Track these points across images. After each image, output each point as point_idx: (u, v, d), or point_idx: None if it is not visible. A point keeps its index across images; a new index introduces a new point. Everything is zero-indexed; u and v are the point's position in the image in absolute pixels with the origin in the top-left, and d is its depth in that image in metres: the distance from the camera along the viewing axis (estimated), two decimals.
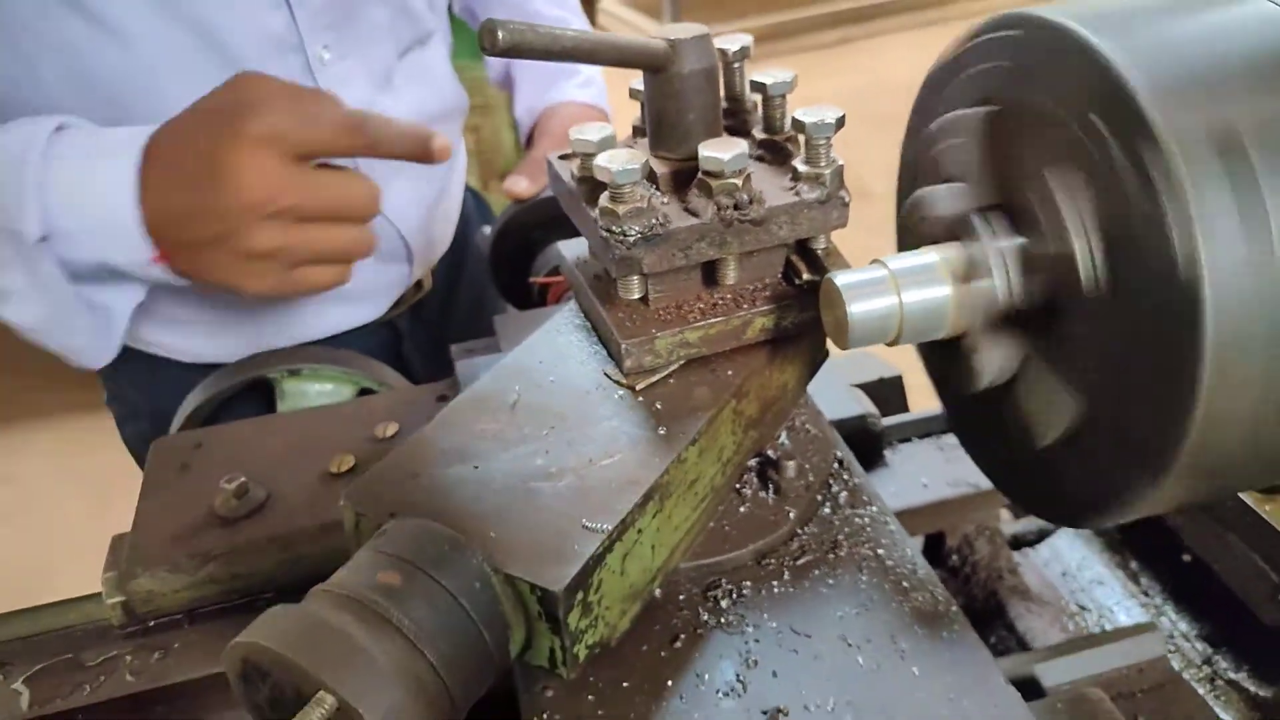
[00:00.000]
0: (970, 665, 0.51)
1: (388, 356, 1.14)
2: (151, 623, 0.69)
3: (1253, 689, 0.71)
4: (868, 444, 0.79)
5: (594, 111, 1.18)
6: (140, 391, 1.09)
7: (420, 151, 0.79)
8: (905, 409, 0.87)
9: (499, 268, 1.03)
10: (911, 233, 0.56)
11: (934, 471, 0.79)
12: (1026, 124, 0.49)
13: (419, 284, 1.16)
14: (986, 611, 0.79)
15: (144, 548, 0.68)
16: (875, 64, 5.10)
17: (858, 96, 4.63)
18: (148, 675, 0.65)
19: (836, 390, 0.81)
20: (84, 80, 0.84)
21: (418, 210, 1.07)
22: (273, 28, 0.88)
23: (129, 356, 1.02)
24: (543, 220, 1.02)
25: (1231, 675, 0.72)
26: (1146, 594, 0.81)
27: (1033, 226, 0.49)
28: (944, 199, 0.53)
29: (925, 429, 0.83)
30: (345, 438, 0.78)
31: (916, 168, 0.59)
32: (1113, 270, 0.45)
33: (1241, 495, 0.68)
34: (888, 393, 0.86)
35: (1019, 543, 0.89)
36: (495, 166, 2.89)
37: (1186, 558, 0.78)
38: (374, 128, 0.76)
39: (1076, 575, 0.84)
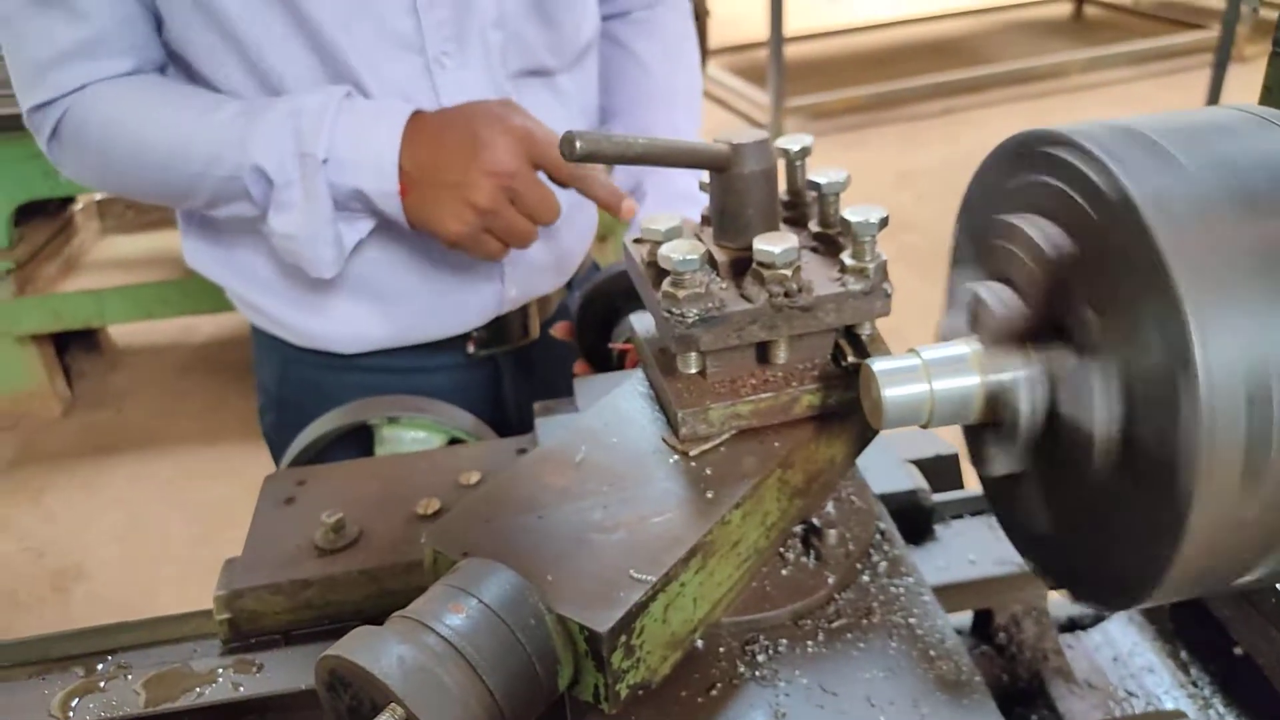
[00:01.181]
0: None
1: (488, 393, 1.25)
2: (253, 640, 0.77)
3: None
4: (917, 518, 0.82)
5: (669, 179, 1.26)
6: (276, 383, 1.25)
7: (613, 204, 1.03)
8: (959, 485, 0.90)
9: (583, 330, 1.11)
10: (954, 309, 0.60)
11: (983, 549, 0.82)
12: (1084, 284, 0.51)
13: (526, 327, 1.26)
14: (1030, 691, 0.80)
15: (251, 572, 0.77)
16: (978, 135, 5.10)
17: (957, 167, 4.63)
18: (247, 686, 0.73)
19: (890, 464, 0.85)
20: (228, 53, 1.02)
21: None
22: (401, 27, 1.02)
23: (273, 349, 1.21)
24: (626, 289, 1.09)
25: None
26: (1195, 684, 0.81)
27: (1068, 382, 0.51)
28: (1001, 312, 0.55)
29: (977, 507, 0.86)
30: (433, 483, 0.86)
31: (976, 237, 0.62)
32: (1126, 445, 0.48)
33: None
34: (943, 469, 0.89)
35: (1073, 625, 0.91)
36: (598, 227, 3.00)
37: (1238, 650, 0.78)
38: (589, 168, 1.01)
39: (1127, 662, 0.85)
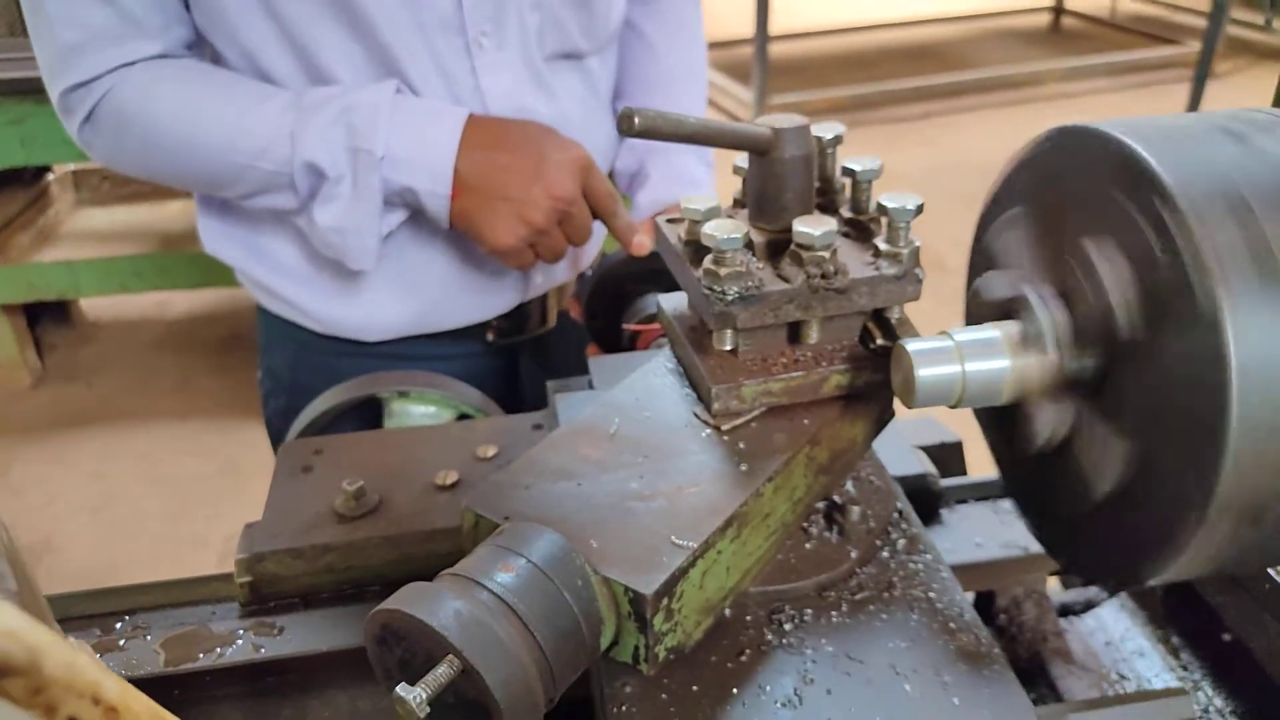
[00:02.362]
0: (1006, 701, 0.57)
1: (503, 380, 1.25)
2: (273, 603, 0.78)
3: None
4: (926, 501, 0.85)
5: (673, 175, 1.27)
6: (288, 368, 1.25)
7: (627, 239, 1.08)
8: (964, 473, 0.93)
9: (594, 313, 1.12)
10: (974, 317, 0.63)
11: (988, 532, 0.84)
12: (1063, 209, 0.56)
13: (545, 316, 1.27)
14: (1030, 670, 0.83)
15: (272, 536, 0.77)
16: (956, 140, 5.17)
17: (935, 171, 4.70)
18: (266, 648, 0.74)
19: (900, 450, 0.87)
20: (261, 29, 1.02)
21: None
22: (441, 8, 1.02)
23: (287, 334, 1.21)
24: (635, 273, 1.11)
25: None
26: (1185, 668, 0.84)
27: (1077, 295, 0.55)
28: (999, 283, 0.60)
29: (982, 493, 0.89)
30: (450, 456, 0.87)
31: (981, 259, 0.66)
32: (1148, 322, 0.51)
33: (1275, 576, 0.72)
34: (948, 456, 0.92)
35: (1066, 611, 0.94)
36: None
37: (1227, 636, 0.81)
38: (619, 203, 1.07)
39: (1119, 646, 0.88)
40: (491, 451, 0.87)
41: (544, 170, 1.00)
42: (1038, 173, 0.61)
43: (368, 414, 1.08)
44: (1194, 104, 4.50)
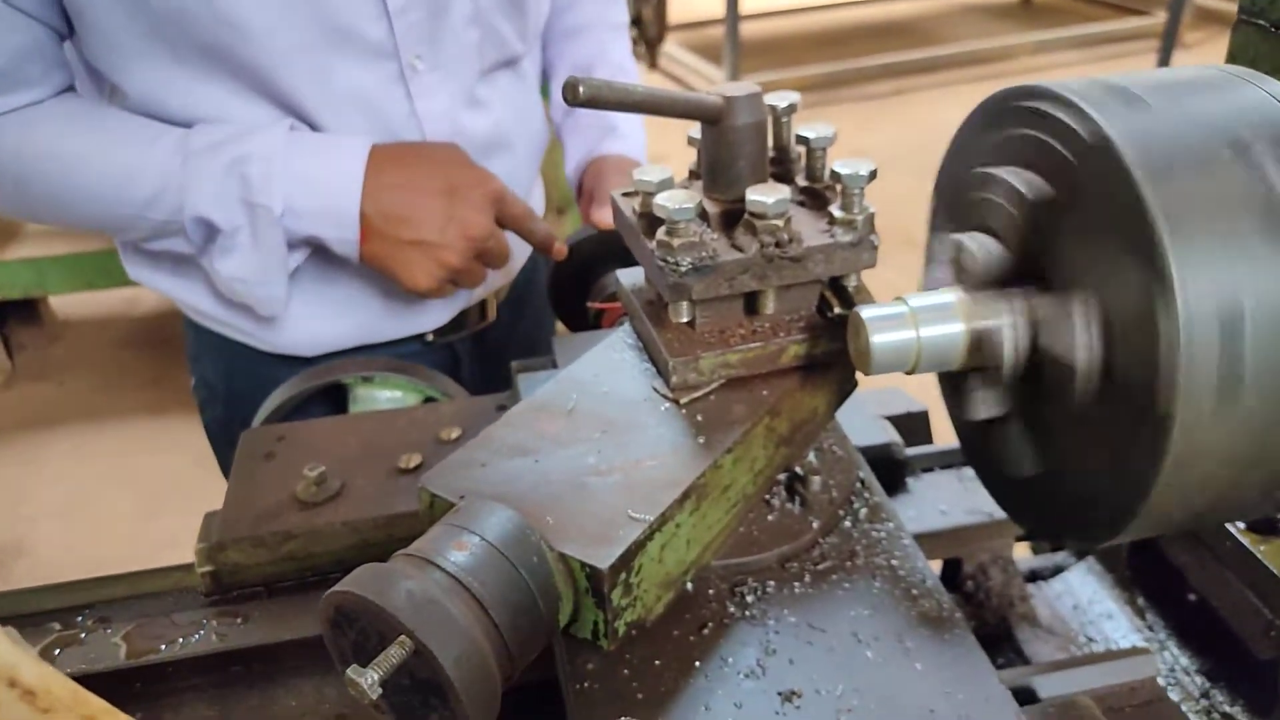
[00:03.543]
0: (968, 664, 0.57)
1: (445, 372, 1.23)
2: (235, 593, 0.77)
3: None
4: (891, 470, 0.85)
5: (633, 162, 1.27)
6: (223, 378, 1.21)
7: (548, 246, 1.08)
8: (930, 441, 0.93)
9: (559, 293, 1.11)
10: (938, 263, 0.62)
11: (953, 500, 0.84)
12: (1063, 225, 0.53)
13: (484, 312, 1.25)
14: (997, 635, 0.84)
15: (233, 525, 0.77)
16: (928, 117, 5.17)
17: (908, 148, 4.69)
18: (230, 638, 0.73)
19: (866, 419, 0.87)
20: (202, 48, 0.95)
21: None
22: (372, 35, 0.98)
23: (217, 346, 1.15)
24: (599, 251, 1.10)
25: (1227, 709, 0.77)
26: (1152, 629, 0.85)
27: (1050, 310, 0.54)
28: (984, 257, 0.58)
29: (947, 460, 0.89)
30: (413, 439, 0.86)
31: (955, 196, 0.65)
32: (1104, 374, 0.51)
33: (1237, 535, 0.73)
34: (914, 425, 0.92)
35: (1036, 576, 0.94)
36: (553, 200, 3.00)
37: (1192, 596, 0.82)
38: (535, 218, 1.06)
39: (1087, 609, 0.89)
40: (455, 433, 0.86)
41: (455, 209, 0.98)
42: (1023, 139, 0.58)
43: (333, 402, 1.07)
44: None
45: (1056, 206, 0.54)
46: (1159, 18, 5.86)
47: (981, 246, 0.57)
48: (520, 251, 1.28)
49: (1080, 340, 0.51)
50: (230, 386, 1.20)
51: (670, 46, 5.84)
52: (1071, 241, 0.53)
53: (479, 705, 0.47)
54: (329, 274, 1.09)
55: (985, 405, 0.58)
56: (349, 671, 0.46)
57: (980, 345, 0.57)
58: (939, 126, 0.64)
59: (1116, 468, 0.51)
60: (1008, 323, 0.56)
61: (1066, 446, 0.55)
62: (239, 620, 0.74)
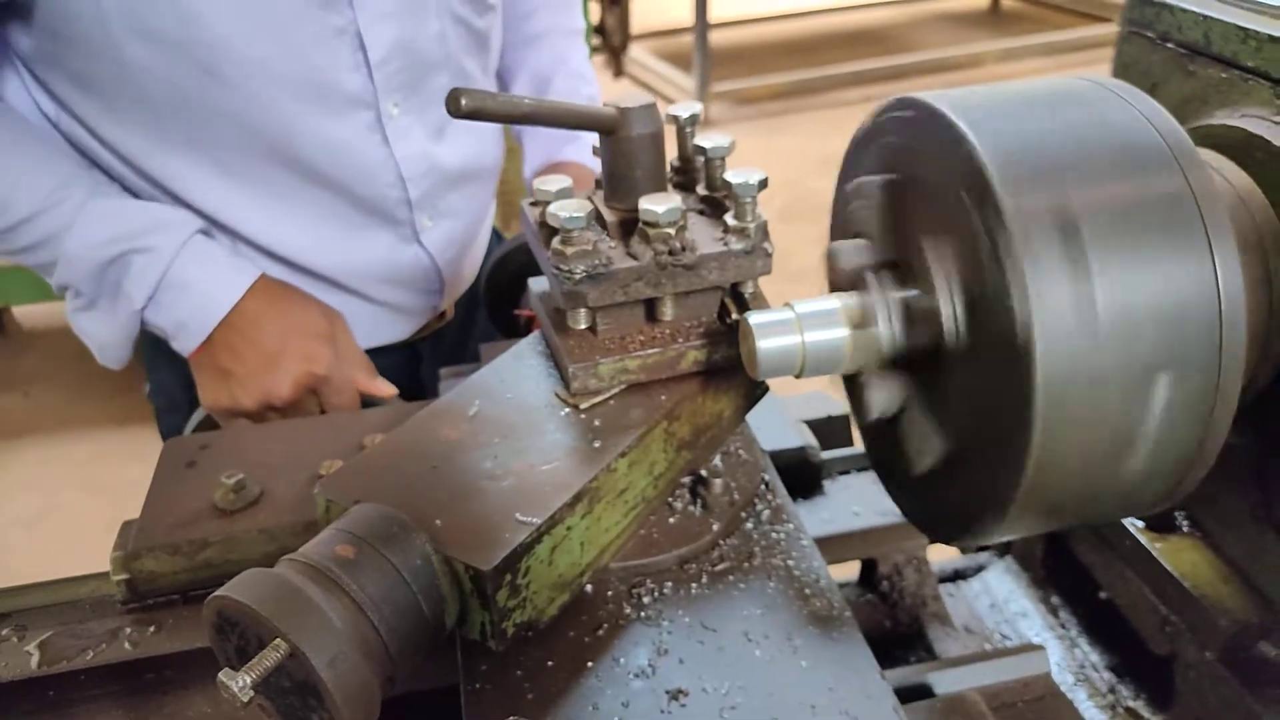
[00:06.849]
0: (852, 661, 0.58)
1: (407, 375, 1.25)
2: (151, 601, 0.77)
3: (1147, 715, 0.77)
4: (807, 473, 0.86)
5: (589, 170, 1.28)
6: (182, 388, 1.20)
7: (381, 394, 1.09)
8: (850, 445, 0.94)
9: (493, 300, 1.12)
10: (828, 281, 0.64)
11: (867, 502, 0.86)
12: (914, 195, 0.57)
13: (442, 314, 1.27)
14: (910, 635, 0.85)
15: (149, 533, 0.77)
16: None
17: None
18: (144, 646, 0.73)
19: (782, 423, 0.88)
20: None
21: (453, 249, 1.19)
22: (350, 87, 1.00)
23: (175, 354, 1.14)
24: (532, 259, 1.11)
25: (1130, 703, 0.79)
26: (1064, 627, 0.87)
27: (915, 283, 0.57)
28: (848, 253, 0.61)
29: (864, 464, 0.90)
30: (337, 445, 0.86)
31: (839, 222, 0.68)
32: (970, 328, 0.53)
33: (1134, 533, 0.75)
34: (835, 429, 0.93)
35: (956, 576, 0.96)
36: (515, 208, 3.00)
37: (1102, 595, 0.84)
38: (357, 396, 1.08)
39: (1003, 608, 0.91)
40: (379, 439, 0.87)
41: (280, 370, 1.01)
42: (888, 146, 0.62)
43: None
44: None
45: (911, 197, 0.57)
46: None
47: (851, 247, 0.59)
48: (478, 252, 1.29)
49: (944, 304, 0.54)
50: (191, 395, 1.19)
51: (638, 54, 5.86)
52: (927, 228, 0.56)
53: (355, 706, 0.48)
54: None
55: (880, 399, 0.60)
56: (221, 675, 0.46)
57: (862, 340, 0.58)
58: None
59: (999, 433, 0.52)
60: (879, 299, 0.58)
61: (957, 419, 0.56)
62: (153, 629, 0.75)
